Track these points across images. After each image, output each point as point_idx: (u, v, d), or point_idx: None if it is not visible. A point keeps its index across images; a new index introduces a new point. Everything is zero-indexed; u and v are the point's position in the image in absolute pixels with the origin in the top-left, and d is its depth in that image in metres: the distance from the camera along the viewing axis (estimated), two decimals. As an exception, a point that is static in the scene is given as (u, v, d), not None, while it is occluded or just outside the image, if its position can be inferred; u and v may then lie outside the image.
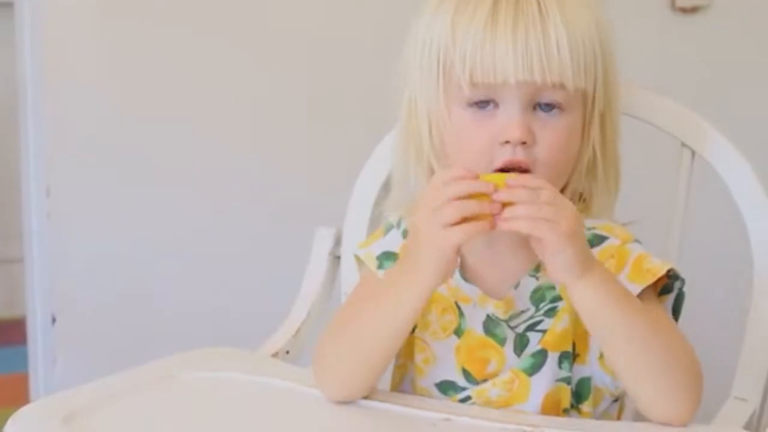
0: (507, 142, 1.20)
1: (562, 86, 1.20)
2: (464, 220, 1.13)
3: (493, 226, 1.13)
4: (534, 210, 1.13)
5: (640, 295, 1.21)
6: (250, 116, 2.26)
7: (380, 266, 1.32)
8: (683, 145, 1.43)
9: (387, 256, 1.32)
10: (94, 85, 2.16)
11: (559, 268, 1.14)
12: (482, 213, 1.13)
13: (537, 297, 1.26)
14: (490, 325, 1.27)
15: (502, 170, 1.19)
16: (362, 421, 1.20)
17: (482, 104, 1.22)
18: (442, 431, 1.17)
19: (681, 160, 1.44)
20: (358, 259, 1.36)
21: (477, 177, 1.14)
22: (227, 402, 1.24)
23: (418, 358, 1.30)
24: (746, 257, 1.39)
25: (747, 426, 1.33)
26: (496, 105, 1.21)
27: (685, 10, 2.44)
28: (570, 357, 1.25)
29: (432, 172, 1.27)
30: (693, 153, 1.43)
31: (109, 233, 2.21)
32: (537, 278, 1.26)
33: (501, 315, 1.26)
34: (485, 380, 1.26)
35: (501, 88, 1.20)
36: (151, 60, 2.19)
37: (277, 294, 1.61)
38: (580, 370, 1.27)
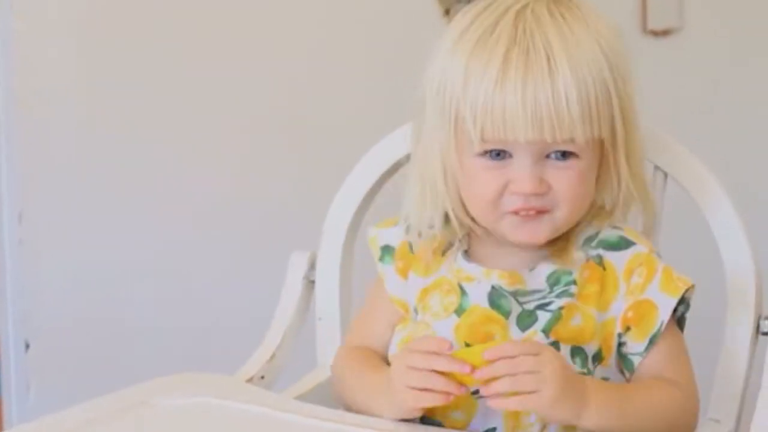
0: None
1: (573, 141, 1.22)
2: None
3: (448, 400, 1.18)
4: (517, 385, 1.16)
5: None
6: (227, 139, 2.26)
7: (381, 258, 1.37)
8: (656, 168, 1.44)
9: (387, 251, 1.36)
10: (66, 110, 2.16)
11: (555, 420, 1.20)
12: (445, 390, 1.18)
13: (552, 280, 1.28)
14: (494, 296, 1.28)
15: (516, 213, 1.23)
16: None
17: (494, 154, 1.24)
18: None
19: (654, 183, 1.45)
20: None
21: (450, 348, 1.19)
22: (202, 428, 1.23)
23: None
24: (720, 279, 1.40)
25: (722, 447, 1.34)
26: (510, 155, 1.23)
27: (656, 33, 2.45)
28: (582, 354, 1.26)
29: (447, 217, 1.30)
30: (666, 175, 1.44)
31: (82, 259, 2.20)
32: (554, 263, 1.28)
33: (506, 286, 1.27)
34: None
35: (512, 143, 1.22)
36: (124, 85, 2.18)
37: (253, 317, 1.61)
38: (602, 372, 1.28)
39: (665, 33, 2.46)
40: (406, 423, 1.23)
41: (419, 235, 1.33)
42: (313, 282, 1.53)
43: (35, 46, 2.12)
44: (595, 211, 1.30)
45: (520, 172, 1.23)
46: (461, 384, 1.18)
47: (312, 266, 1.53)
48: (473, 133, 1.22)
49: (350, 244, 1.51)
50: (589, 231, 1.30)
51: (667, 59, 2.47)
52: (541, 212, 1.24)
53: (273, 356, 1.47)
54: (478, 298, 1.28)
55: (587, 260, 1.28)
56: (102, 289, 2.21)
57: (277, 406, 1.27)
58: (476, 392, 1.19)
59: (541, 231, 1.25)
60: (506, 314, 1.27)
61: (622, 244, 1.29)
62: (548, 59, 1.20)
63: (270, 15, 2.25)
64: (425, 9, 2.27)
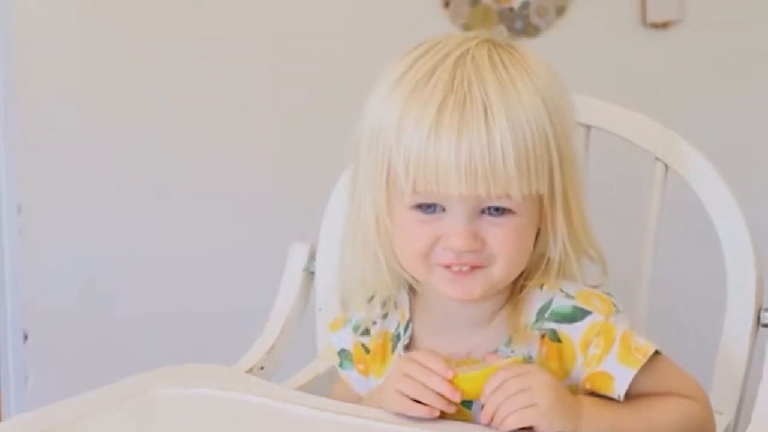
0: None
1: (508, 196, 1.16)
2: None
3: (433, 414, 1.19)
4: (512, 407, 1.16)
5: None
6: (222, 130, 2.26)
7: (341, 364, 1.35)
8: (656, 159, 1.44)
9: (345, 355, 1.35)
10: (64, 102, 2.16)
11: (555, 431, 1.17)
12: (435, 405, 1.18)
13: None
14: None
15: (448, 267, 1.19)
16: (338, 437, 1.20)
17: (427, 207, 1.19)
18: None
19: (654, 175, 1.45)
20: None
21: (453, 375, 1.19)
22: (202, 419, 1.23)
23: None
24: (721, 269, 1.40)
25: (722, 439, 1.34)
26: (443, 209, 1.19)
27: (656, 25, 2.45)
28: None
29: (378, 262, 1.26)
30: (666, 167, 1.44)
31: (81, 250, 2.20)
32: (512, 351, 1.24)
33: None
34: None
35: (445, 196, 1.17)
36: (119, 77, 2.18)
37: (250, 309, 1.61)
38: None
39: (665, 25, 2.45)
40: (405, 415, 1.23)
41: (366, 331, 1.32)
42: (312, 273, 1.53)
43: (35, 36, 2.11)
44: (543, 267, 1.25)
45: (453, 227, 1.17)
46: (451, 403, 1.18)
47: (312, 257, 1.53)
48: (405, 185, 1.17)
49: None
50: (542, 299, 1.24)
51: (667, 51, 2.47)
52: (475, 267, 1.19)
53: (273, 347, 1.48)
54: None
55: (542, 336, 1.23)
56: (101, 280, 2.21)
57: (277, 397, 1.27)
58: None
59: (476, 287, 1.20)
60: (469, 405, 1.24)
61: (577, 315, 1.23)
62: (485, 112, 1.14)
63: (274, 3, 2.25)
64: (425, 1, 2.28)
